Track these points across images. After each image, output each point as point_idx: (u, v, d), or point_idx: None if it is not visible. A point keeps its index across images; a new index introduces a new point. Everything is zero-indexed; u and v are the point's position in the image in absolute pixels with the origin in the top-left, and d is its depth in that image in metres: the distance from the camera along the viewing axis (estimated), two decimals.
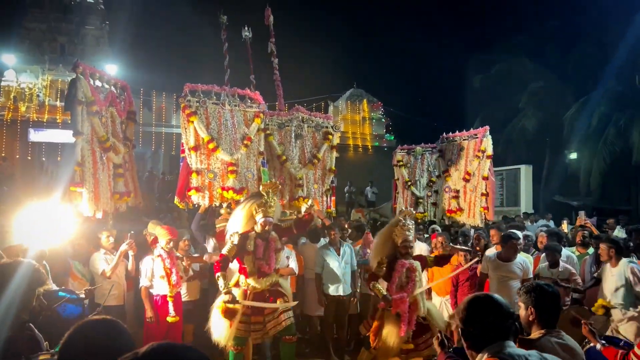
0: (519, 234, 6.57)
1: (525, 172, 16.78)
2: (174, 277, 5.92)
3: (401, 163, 10.31)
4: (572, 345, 2.65)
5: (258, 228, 5.20)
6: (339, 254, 6.95)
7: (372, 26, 31.56)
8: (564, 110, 19.33)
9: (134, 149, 7.65)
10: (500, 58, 22.56)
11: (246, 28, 9.08)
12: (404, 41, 26.29)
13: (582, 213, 8.73)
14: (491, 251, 6.44)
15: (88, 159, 6.16)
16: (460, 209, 9.64)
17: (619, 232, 9.78)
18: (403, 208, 9.44)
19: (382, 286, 5.32)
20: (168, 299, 5.89)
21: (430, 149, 10.25)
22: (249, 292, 5.18)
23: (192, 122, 7.28)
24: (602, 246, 5.54)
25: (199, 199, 7.29)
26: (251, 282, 5.17)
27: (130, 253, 6.17)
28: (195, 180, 7.27)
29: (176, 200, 7.47)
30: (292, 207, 8.51)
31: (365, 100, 20.57)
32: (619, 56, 18.37)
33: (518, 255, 5.94)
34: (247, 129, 7.73)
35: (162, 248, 5.96)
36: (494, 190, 9.75)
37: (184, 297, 6.31)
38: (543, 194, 19.44)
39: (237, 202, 7.53)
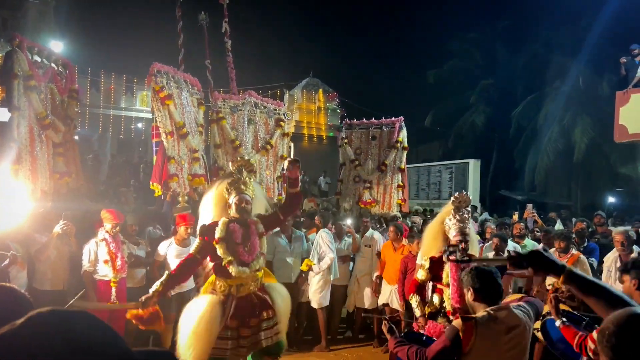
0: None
1: (474, 167, 17.23)
2: (118, 262, 5.71)
3: (346, 141, 9.72)
4: (516, 318, 2.71)
5: (232, 211, 4.10)
6: (290, 242, 6.94)
7: (330, 17, 31.52)
8: (512, 107, 19.95)
9: (77, 129, 7.30)
10: (453, 54, 23.03)
11: (203, 13, 8.83)
12: (361, 34, 26.43)
13: (529, 206, 9.02)
14: None
15: (25, 136, 5.82)
16: (375, 201, 9.46)
17: (559, 225, 10.17)
18: (348, 198, 9.36)
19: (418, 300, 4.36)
20: (111, 284, 5.68)
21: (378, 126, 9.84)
22: (232, 298, 3.95)
23: (168, 105, 7.02)
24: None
25: (177, 187, 7.11)
26: (231, 273, 3.91)
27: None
28: (173, 167, 7.05)
29: (155, 186, 7.22)
30: None
31: (321, 90, 20.47)
32: (564, 57, 19.10)
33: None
34: (197, 115, 7.57)
35: (106, 232, 5.74)
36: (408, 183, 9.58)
37: (129, 284, 6.09)
38: (490, 188, 20.05)
39: (195, 190, 7.40)
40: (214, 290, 4.05)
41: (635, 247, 5.50)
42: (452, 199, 4.28)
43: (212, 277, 4.11)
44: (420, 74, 23.99)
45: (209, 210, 4.26)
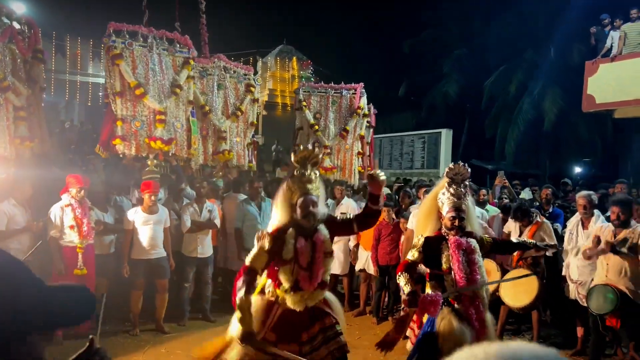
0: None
1: (446, 136, 17.38)
2: (84, 227, 5.62)
3: (304, 104, 9.42)
4: None
5: (298, 214, 3.36)
6: (259, 209, 6.93)
7: None
8: (485, 77, 20.05)
9: (43, 93, 7.04)
10: (428, 24, 22.89)
11: None
12: (337, 2, 25.98)
13: (501, 173, 9.17)
14: (416, 208, 6.65)
15: None
16: (335, 167, 9.42)
17: (526, 194, 10.41)
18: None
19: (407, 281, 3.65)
20: (77, 250, 5.61)
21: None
22: (277, 306, 3.37)
23: (118, 65, 6.81)
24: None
25: (124, 149, 6.94)
26: (284, 295, 3.35)
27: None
28: (120, 129, 6.87)
29: (98, 149, 7.05)
30: (215, 160, 8.31)
31: (295, 57, 20.19)
32: (537, 28, 19.18)
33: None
34: (177, 75, 7.36)
35: (72, 197, 5.64)
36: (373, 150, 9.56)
37: (97, 251, 6.02)
38: (461, 157, 20.29)
39: (166, 154, 7.27)
40: (262, 292, 3.45)
41: (596, 211, 5.65)
42: (446, 169, 3.79)
43: (265, 280, 3.45)
44: (395, 43, 23.80)
45: (276, 211, 3.51)
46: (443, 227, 3.77)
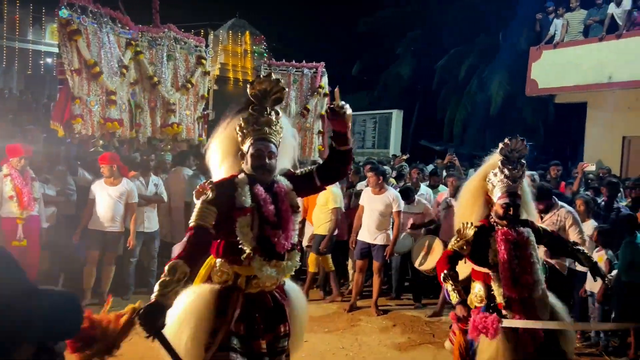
0: (387, 168, 7.06)
1: (396, 117, 17.68)
2: (25, 198, 5.44)
3: None
4: None
5: (247, 165, 2.63)
6: None
7: None
8: (437, 59, 20.39)
9: None
10: (385, 3, 22.96)
11: None
12: None
13: (451, 151, 9.48)
14: (364, 185, 6.77)
15: None
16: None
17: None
18: None
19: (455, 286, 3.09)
20: (17, 221, 5.42)
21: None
22: (237, 292, 2.54)
23: (76, 41, 6.56)
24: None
25: (81, 129, 6.76)
26: (254, 269, 2.49)
27: None
28: (77, 107, 6.66)
29: (55, 125, 6.82)
30: (164, 133, 8.16)
31: (247, 32, 19.81)
32: (489, 13, 19.62)
33: (388, 189, 6.29)
34: (122, 56, 7.18)
35: (12, 167, 5.44)
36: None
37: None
38: (412, 138, 20.69)
39: (113, 135, 7.08)
40: (210, 279, 2.62)
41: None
42: (500, 145, 3.11)
43: (211, 259, 2.66)
44: (351, 22, 23.75)
45: (214, 162, 2.78)
46: (493, 214, 3.18)
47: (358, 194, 6.71)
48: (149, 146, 8.17)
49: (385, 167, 7.64)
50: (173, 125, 8.02)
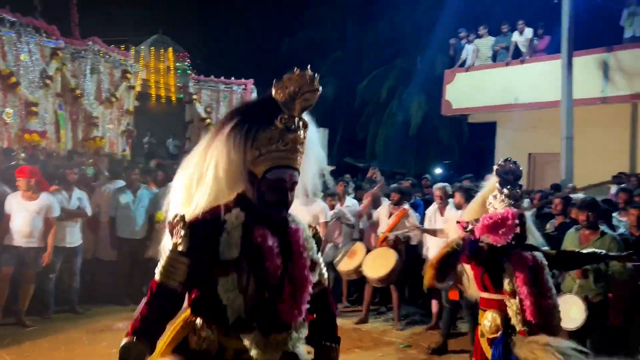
0: None
1: (322, 135, 18.06)
2: None
3: (195, 97, 9.39)
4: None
5: (255, 194, 1.90)
6: (135, 197, 6.82)
7: None
8: (359, 80, 21.19)
9: None
10: (307, 25, 23.56)
11: None
12: None
13: (373, 165, 9.85)
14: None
15: None
16: None
17: None
18: None
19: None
20: None
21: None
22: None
23: None
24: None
25: None
26: (247, 348, 1.78)
27: None
28: None
29: None
30: (85, 147, 7.94)
31: (171, 48, 19.57)
32: (406, 37, 20.71)
33: (316, 200, 6.49)
34: (46, 66, 6.95)
35: None
36: None
37: None
38: (336, 156, 21.26)
39: (36, 147, 6.78)
40: (186, 344, 1.85)
41: (450, 201, 6.39)
42: (495, 168, 3.11)
43: (187, 314, 1.91)
44: (275, 41, 24.11)
45: (186, 184, 1.90)
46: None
47: None
48: (69, 160, 7.89)
49: None
50: (95, 138, 7.83)
